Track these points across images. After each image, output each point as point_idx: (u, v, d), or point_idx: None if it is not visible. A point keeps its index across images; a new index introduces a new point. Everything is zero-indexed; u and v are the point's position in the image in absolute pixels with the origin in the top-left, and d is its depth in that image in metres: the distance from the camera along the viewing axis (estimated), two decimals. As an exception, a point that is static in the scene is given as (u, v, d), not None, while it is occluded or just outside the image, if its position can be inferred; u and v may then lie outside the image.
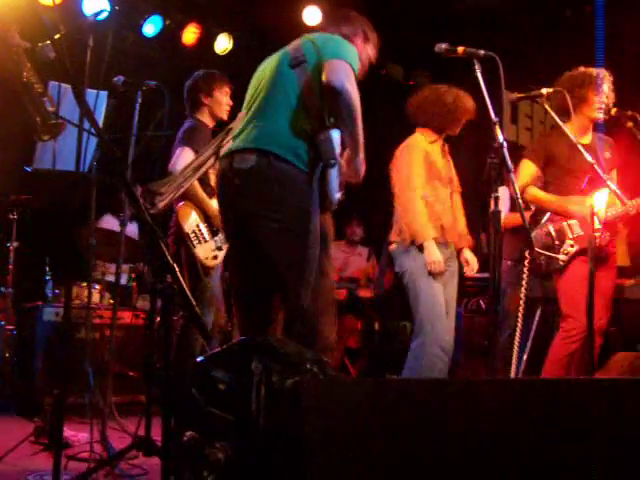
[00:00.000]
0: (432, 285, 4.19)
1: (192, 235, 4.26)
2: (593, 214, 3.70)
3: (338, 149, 2.94)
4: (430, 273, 4.17)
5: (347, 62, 2.93)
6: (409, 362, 4.18)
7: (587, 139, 4.29)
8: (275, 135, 2.96)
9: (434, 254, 4.16)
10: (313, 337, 2.90)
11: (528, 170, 4.33)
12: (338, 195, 3.00)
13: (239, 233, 3.08)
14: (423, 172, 4.24)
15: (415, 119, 4.41)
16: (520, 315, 4.39)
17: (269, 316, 3.11)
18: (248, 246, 3.03)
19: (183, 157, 4.18)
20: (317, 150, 2.92)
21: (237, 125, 2.87)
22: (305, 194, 2.91)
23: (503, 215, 4.37)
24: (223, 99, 4.58)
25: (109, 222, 6.09)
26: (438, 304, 4.18)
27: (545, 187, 4.36)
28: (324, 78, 2.88)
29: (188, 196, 4.22)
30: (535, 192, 4.29)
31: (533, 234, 4.29)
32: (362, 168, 3.11)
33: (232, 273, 3.36)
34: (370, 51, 3.32)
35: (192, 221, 4.29)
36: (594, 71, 4.22)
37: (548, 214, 4.29)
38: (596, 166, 3.68)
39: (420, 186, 4.23)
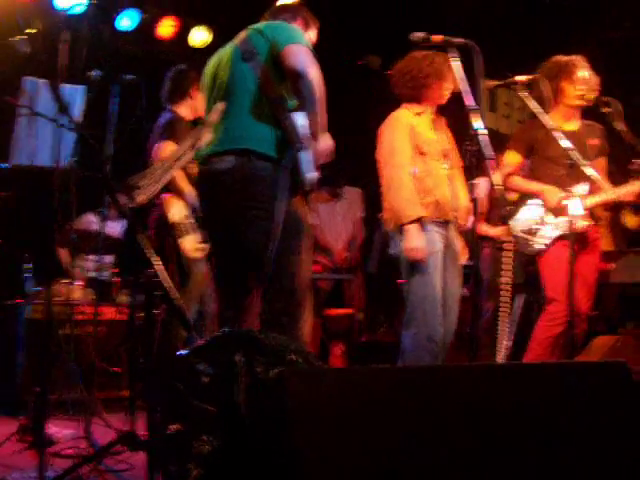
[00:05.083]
0: (426, 272, 3.84)
1: (180, 226, 4.22)
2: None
3: (303, 131, 2.98)
4: (424, 258, 3.81)
5: (303, 45, 2.98)
6: (401, 353, 3.90)
7: (573, 125, 4.30)
8: (248, 133, 3.02)
9: (413, 240, 3.81)
10: (294, 319, 2.97)
11: (511, 160, 4.39)
12: (313, 175, 3.02)
13: (224, 227, 3.12)
14: (408, 147, 3.91)
15: (397, 94, 4.08)
16: (508, 301, 4.42)
17: (245, 300, 3.16)
18: (235, 240, 3.08)
19: (166, 151, 4.15)
20: (284, 135, 2.98)
21: (214, 117, 2.87)
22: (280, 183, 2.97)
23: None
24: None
25: (90, 222, 6.04)
26: (430, 295, 3.83)
27: (531, 175, 4.40)
28: (286, 64, 2.94)
29: (172, 188, 4.18)
30: (516, 180, 4.36)
31: (516, 217, 4.32)
32: (329, 146, 3.12)
33: (216, 265, 3.36)
34: (312, 35, 3.33)
35: (179, 212, 4.24)
36: (563, 60, 4.22)
37: (532, 198, 4.32)
38: (573, 152, 3.69)
39: (407, 162, 3.89)
